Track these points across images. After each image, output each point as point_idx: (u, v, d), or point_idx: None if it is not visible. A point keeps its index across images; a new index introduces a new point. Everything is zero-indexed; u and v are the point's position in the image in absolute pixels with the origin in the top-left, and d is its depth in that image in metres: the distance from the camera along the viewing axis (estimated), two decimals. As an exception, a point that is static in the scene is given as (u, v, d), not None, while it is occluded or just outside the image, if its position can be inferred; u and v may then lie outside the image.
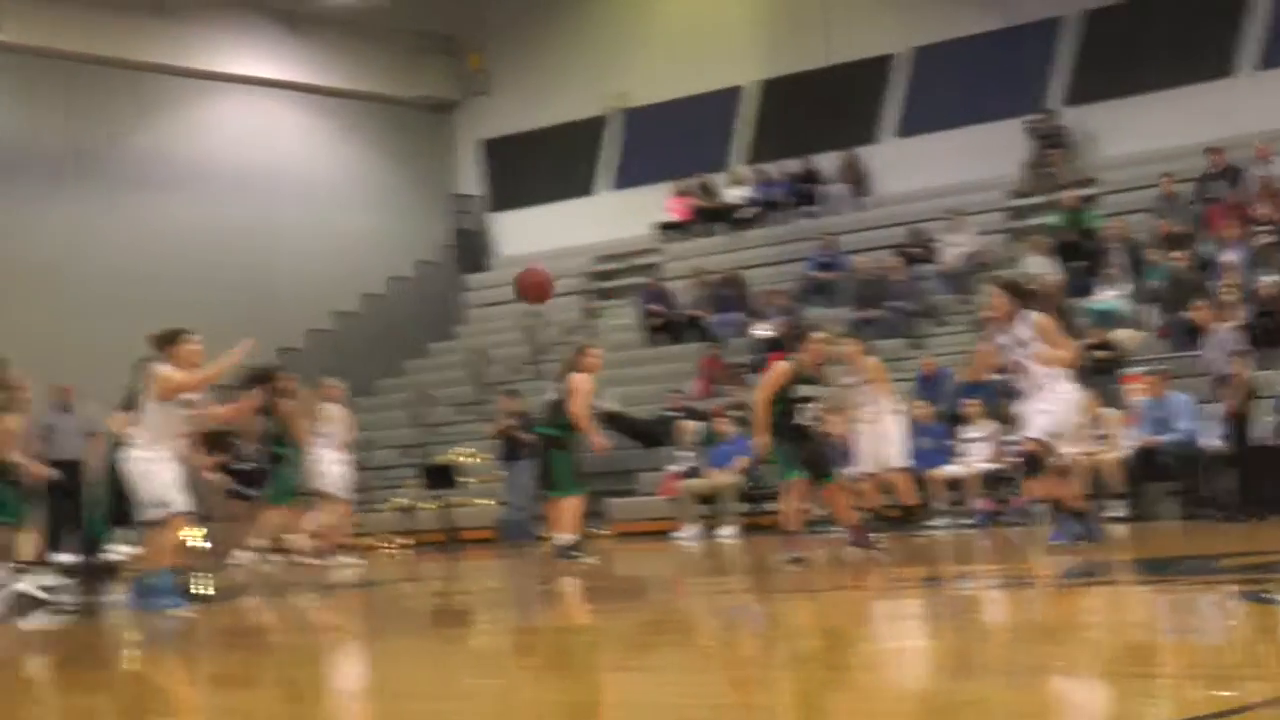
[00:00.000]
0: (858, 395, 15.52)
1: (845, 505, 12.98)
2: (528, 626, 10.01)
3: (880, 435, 15.71)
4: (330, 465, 16.61)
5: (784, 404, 12.35)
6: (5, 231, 23.19)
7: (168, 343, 11.01)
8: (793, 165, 25.79)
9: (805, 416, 12.35)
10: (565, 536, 14.04)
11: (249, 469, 16.89)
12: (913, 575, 11.38)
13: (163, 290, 24.63)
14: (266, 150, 27.06)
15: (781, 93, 26.50)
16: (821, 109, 25.98)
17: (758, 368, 22.35)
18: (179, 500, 10.84)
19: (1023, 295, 11.76)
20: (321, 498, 16.66)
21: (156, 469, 10.76)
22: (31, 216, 23.87)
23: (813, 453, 12.49)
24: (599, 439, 14.54)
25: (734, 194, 26.17)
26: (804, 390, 12.38)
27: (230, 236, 26.02)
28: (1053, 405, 11.46)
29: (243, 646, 9.43)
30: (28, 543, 13.94)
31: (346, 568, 16.09)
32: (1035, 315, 11.53)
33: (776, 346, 22.11)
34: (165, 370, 10.87)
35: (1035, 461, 11.55)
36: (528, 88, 28.66)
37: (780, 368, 12.66)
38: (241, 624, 11.10)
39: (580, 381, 14.08)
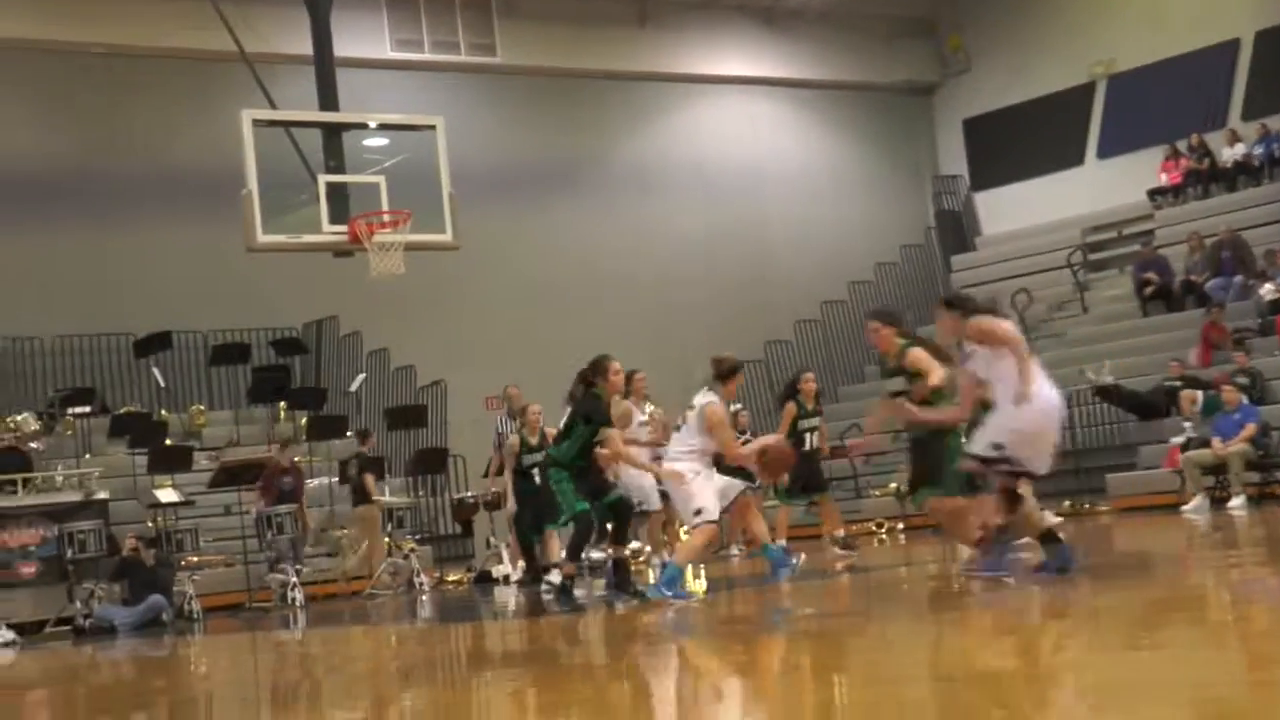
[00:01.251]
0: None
1: None
2: (1030, 606, 9.69)
3: None
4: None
5: None
6: (515, 246, 24.27)
7: (728, 373, 11.61)
8: (1294, 118, 24.21)
9: None
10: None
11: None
12: None
13: (664, 293, 25.43)
14: (752, 147, 27.46)
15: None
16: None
17: (1265, 331, 21.11)
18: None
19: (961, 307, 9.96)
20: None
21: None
22: (538, 231, 24.97)
23: None
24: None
25: (1232, 152, 24.79)
26: None
27: (724, 235, 26.54)
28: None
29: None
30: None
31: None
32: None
33: (1284, 309, 20.79)
34: (715, 406, 11.35)
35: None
36: (1008, 63, 28.07)
37: None
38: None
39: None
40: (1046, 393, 9.51)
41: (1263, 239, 22.84)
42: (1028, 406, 9.35)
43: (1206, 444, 18.12)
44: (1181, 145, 25.40)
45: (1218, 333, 21.23)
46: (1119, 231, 26.20)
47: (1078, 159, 27.39)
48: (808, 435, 14.61)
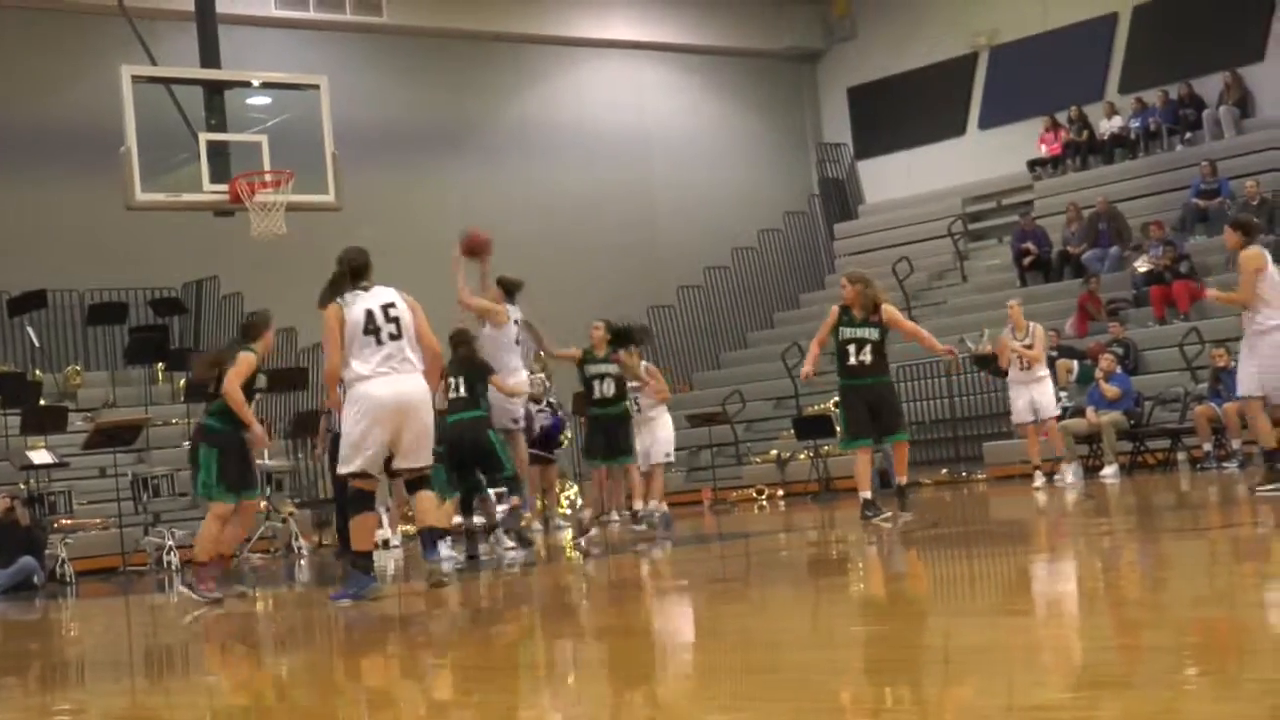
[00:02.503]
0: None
1: None
2: (899, 573, 9.80)
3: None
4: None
5: None
6: (400, 207, 24.04)
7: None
8: (1170, 91, 24.58)
9: None
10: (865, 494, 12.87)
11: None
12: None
13: (548, 254, 25.27)
14: (637, 111, 27.41)
15: (1157, 15, 25.26)
16: (1200, 30, 24.65)
17: (1140, 302, 21.48)
18: None
19: None
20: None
21: None
22: (422, 191, 24.76)
23: None
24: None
25: (1109, 124, 25.14)
26: None
27: (609, 199, 26.48)
28: None
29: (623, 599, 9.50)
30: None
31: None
32: None
33: (1157, 280, 21.16)
34: None
35: None
36: (893, 32, 28.22)
37: None
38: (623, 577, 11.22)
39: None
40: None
41: (1138, 211, 23.23)
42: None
43: (1081, 413, 18.42)
44: (1061, 117, 25.73)
45: (1094, 303, 21.57)
46: (998, 202, 26.50)
47: (959, 129, 27.63)
48: (596, 383, 14.37)
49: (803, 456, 21.27)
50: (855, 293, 12.41)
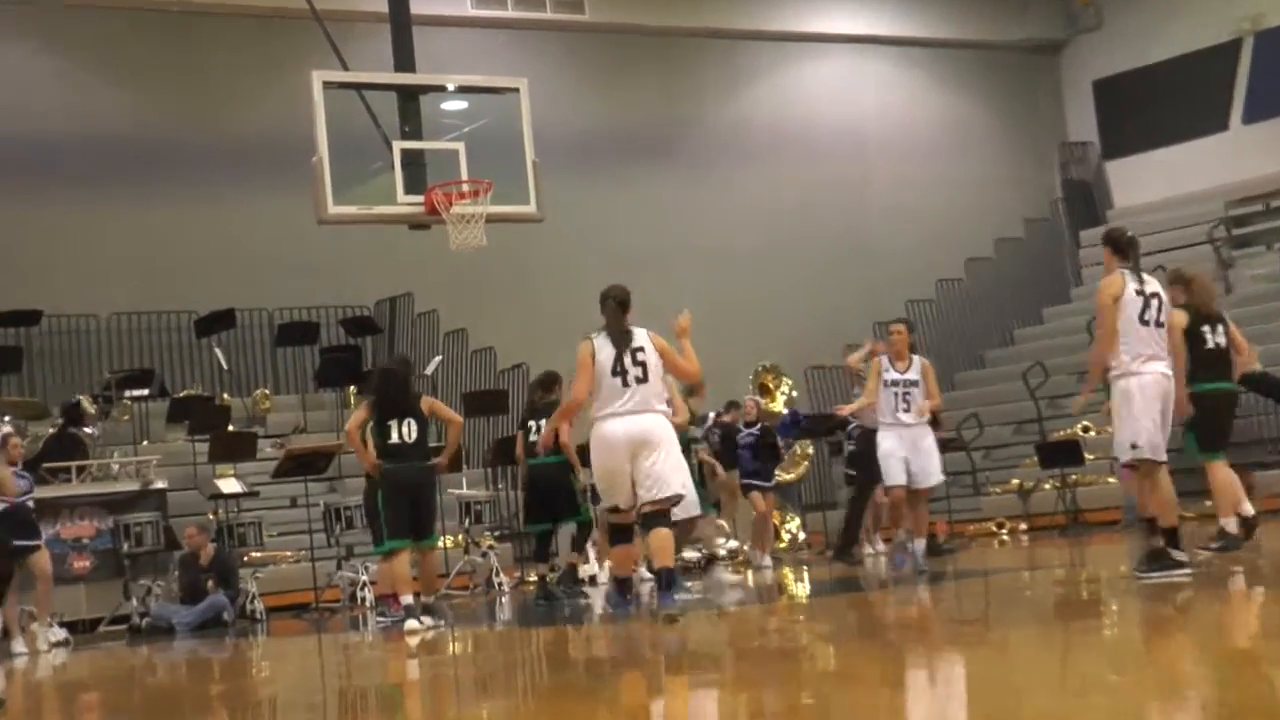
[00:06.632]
0: None
1: None
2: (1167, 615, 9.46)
3: None
4: None
5: None
6: (602, 220, 24.13)
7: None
8: None
9: None
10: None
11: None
12: None
13: (762, 264, 25.20)
14: (857, 108, 27.22)
15: None
16: None
17: None
18: None
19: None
20: None
21: None
22: (627, 202, 24.82)
23: None
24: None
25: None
26: None
27: (827, 207, 26.32)
28: None
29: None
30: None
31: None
32: None
33: None
34: None
35: None
36: (1144, 19, 27.65)
37: None
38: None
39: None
40: None
41: None
42: None
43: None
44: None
45: (1378, 316, 20.74)
46: (1266, 204, 25.72)
47: (1221, 124, 26.89)
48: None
49: (1048, 486, 20.80)
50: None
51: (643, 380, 10.64)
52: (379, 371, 13.99)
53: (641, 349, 10.74)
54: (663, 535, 10.60)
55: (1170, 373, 10.73)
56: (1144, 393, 10.52)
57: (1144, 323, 10.56)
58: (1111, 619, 9.53)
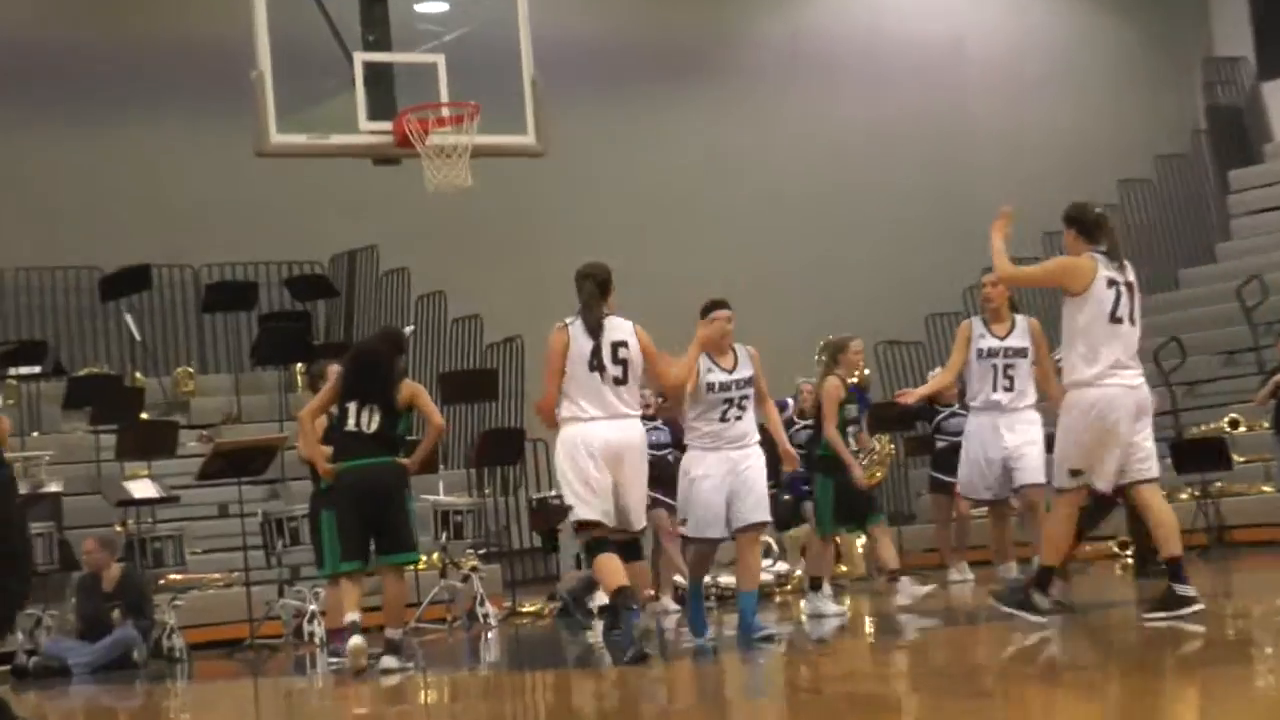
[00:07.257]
0: None
1: None
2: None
3: None
4: None
5: None
6: (618, 155, 24.17)
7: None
8: None
9: None
10: None
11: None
12: None
13: (824, 208, 25.09)
14: (947, 19, 27.14)
15: None
16: None
17: None
18: None
19: None
20: None
21: None
22: (650, 133, 24.80)
23: None
24: None
25: None
26: None
27: (905, 139, 26.25)
28: None
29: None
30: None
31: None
32: None
33: None
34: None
35: None
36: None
37: None
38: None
39: None
40: None
41: None
42: None
43: None
44: None
45: None
46: None
47: None
48: None
49: (1184, 496, 20.60)
50: None
51: (621, 381, 11.22)
52: (353, 347, 14.03)
53: (625, 344, 11.27)
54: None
55: (1140, 381, 10.89)
56: (1099, 412, 10.71)
57: (1115, 320, 10.52)
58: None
